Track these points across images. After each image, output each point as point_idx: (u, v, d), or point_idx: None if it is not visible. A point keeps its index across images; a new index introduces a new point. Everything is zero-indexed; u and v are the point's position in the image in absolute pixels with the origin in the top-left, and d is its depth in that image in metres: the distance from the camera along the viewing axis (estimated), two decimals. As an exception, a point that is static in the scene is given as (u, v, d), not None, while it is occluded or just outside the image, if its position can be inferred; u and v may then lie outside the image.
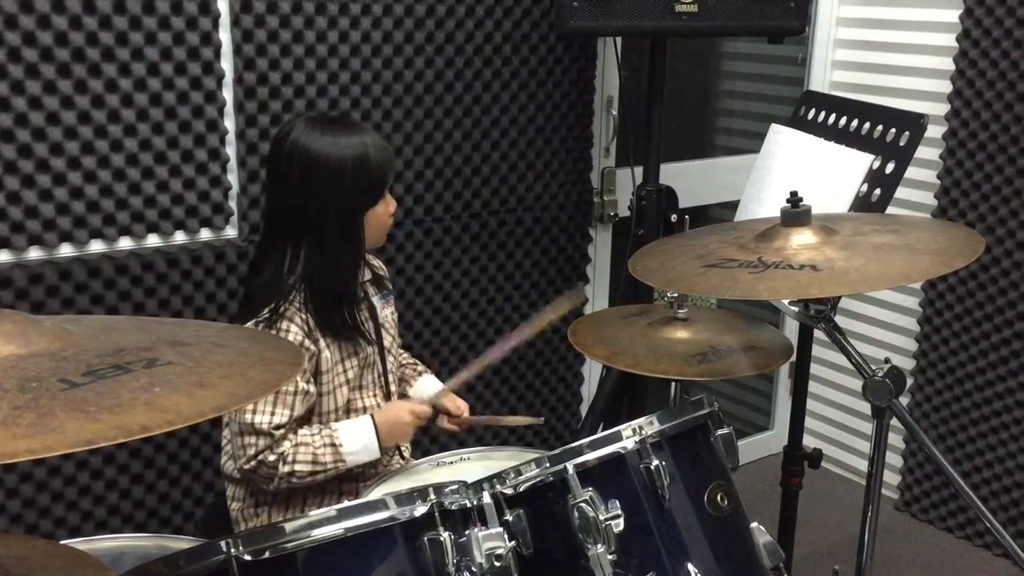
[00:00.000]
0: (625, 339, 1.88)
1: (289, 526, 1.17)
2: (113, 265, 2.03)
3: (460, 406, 1.97)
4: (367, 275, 1.89)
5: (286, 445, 1.70)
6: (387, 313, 1.93)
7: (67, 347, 0.90)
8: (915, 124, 1.85)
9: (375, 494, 1.64)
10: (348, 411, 1.84)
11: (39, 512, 2.04)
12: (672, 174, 2.41)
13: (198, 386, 0.86)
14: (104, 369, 0.86)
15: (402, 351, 2.08)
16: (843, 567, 1.87)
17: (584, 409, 2.89)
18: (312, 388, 1.75)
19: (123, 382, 0.84)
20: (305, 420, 1.78)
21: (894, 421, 1.57)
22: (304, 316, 1.74)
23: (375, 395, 1.88)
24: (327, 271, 1.75)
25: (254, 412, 1.68)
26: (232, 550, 1.13)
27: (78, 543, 1.45)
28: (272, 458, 1.69)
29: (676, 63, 2.36)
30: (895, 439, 2.97)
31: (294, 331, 1.72)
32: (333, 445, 1.73)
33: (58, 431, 0.76)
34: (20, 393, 0.80)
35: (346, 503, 1.24)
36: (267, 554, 1.14)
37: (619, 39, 2.56)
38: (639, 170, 2.40)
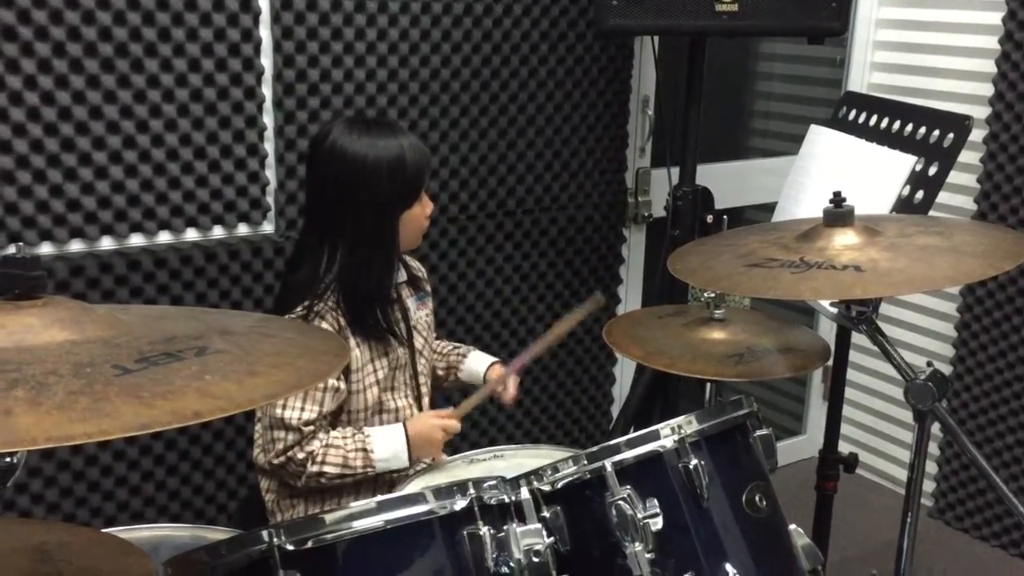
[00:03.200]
0: (661, 339, 1.87)
1: (330, 517, 1.17)
2: (152, 258, 2.05)
3: (509, 387, 1.94)
4: (403, 276, 1.89)
5: (315, 444, 1.71)
6: (422, 315, 1.93)
7: (119, 334, 0.91)
8: (959, 126, 1.83)
9: (413, 487, 1.65)
10: (379, 411, 1.84)
11: (76, 502, 2.06)
12: (706, 175, 2.39)
13: (248, 374, 0.87)
14: (156, 356, 0.87)
15: (438, 341, 2.08)
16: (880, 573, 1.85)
17: (616, 410, 2.88)
18: (343, 385, 1.75)
19: (175, 369, 0.85)
20: (335, 418, 1.79)
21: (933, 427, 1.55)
22: (336, 315, 1.75)
23: (407, 396, 1.89)
24: (361, 271, 1.76)
25: (284, 407, 1.69)
26: (275, 539, 1.14)
27: (117, 532, 1.46)
28: (301, 456, 1.70)
29: (713, 64, 2.34)
30: (930, 445, 2.93)
31: (324, 328, 1.73)
32: (364, 451, 1.73)
33: (113, 415, 0.77)
34: (75, 378, 0.81)
35: (386, 496, 1.24)
36: (309, 544, 1.15)
37: (656, 38, 2.54)
38: (675, 170, 2.39)
